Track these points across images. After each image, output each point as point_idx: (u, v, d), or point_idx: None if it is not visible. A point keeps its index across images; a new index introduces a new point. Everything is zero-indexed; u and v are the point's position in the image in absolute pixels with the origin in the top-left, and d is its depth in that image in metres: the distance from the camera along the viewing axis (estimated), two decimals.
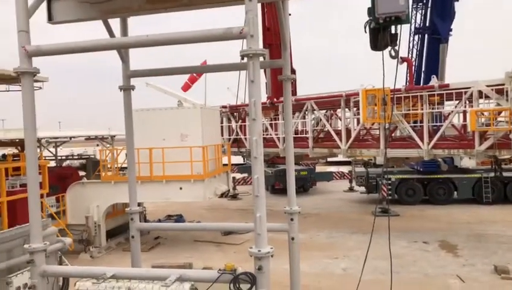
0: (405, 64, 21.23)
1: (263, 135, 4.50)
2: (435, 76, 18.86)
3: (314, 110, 20.08)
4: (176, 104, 18.21)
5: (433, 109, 16.79)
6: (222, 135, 22.44)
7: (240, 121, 23.41)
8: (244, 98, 25.98)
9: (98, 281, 4.70)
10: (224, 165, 19.00)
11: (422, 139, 16.27)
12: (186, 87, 27.12)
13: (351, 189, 30.26)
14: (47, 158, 26.37)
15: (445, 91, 15.87)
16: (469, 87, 15.13)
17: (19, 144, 24.28)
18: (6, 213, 11.51)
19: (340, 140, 18.77)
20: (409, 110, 16.63)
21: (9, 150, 27.14)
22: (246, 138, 22.73)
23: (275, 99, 22.06)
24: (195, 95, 25.83)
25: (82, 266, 6.10)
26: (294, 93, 25.09)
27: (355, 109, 18.69)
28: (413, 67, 25.83)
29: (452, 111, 17.23)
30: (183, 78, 27.43)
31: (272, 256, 4.44)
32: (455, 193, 23.92)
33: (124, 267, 5.30)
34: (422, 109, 16.17)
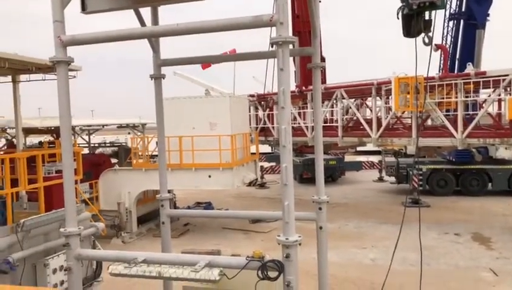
0: (439, 51, 20.61)
1: (291, 123, 4.45)
2: (470, 63, 18.25)
3: (344, 98, 19.82)
4: (204, 93, 18.34)
5: (467, 97, 16.28)
6: (249, 124, 22.45)
7: (268, 109, 23.33)
8: (272, 87, 25.84)
9: (129, 265, 4.82)
10: (252, 154, 19.05)
11: (456, 128, 15.84)
12: (206, 65, 26.32)
13: (380, 179, 29.80)
14: (80, 145, 27.18)
15: (482, 79, 15.37)
16: (507, 75, 14.65)
17: (55, 131, 25.10)
18: (43, 198, 11.92)
19: (371, 129, 18.49)
20: (443, 98, 16.20)
21: (46, 138, 28.05)
22: (273, 127, 22.67)
23: (304, 88, 21.87)
24: (221, 84, 25.71)
25: (114, 251, 6.29)
26: (323, 81, 24.76)
27: (385, 97, 18.37)
28: (448, 54, 25.00)
29: (486, 99, 16.68)
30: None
31: (299, 244, 4.44)
32: (489, 184, 23.17)
33: (155, 253, 5.42)
34: (456, 97, 15.72)
